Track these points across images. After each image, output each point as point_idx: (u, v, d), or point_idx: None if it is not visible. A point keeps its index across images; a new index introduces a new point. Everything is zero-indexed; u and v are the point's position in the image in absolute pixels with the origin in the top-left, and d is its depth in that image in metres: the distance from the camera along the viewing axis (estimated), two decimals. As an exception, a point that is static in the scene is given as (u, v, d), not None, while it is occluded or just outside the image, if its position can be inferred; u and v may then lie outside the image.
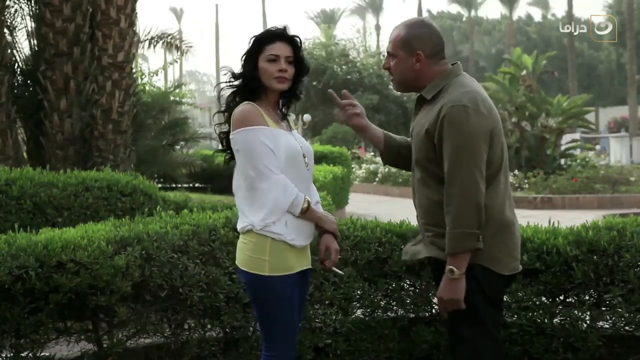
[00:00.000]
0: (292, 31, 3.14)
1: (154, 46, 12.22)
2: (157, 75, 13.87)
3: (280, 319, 3.01)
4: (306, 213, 3.03)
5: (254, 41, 3.10)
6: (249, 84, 3.08)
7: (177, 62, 12.68)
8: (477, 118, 2.90)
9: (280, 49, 3.07)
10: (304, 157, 3.10)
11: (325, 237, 3.10)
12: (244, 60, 3.11)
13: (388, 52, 3.15)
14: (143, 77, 12.62)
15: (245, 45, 3.12)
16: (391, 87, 32.42)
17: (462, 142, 2.87)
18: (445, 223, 2.91)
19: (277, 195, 2.96)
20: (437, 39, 3.09)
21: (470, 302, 2.93)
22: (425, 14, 66.43)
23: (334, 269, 3.18)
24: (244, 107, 3.03)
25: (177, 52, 12.77)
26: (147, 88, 12.71)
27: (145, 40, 11.88)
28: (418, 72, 3.07)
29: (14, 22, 10.29)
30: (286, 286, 2.99)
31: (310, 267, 3.16)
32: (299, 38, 3.14)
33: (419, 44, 3.07)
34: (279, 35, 3.10)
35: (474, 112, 2.90)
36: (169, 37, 12.54)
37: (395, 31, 3.13)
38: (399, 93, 32.36)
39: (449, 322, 3.08)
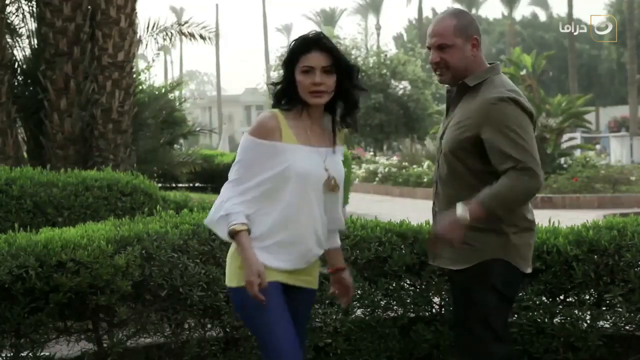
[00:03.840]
0: (325, 37, 2.86)
1: (169, 36, 11.87)
2: (148, 70, 13.68)
3: (268, 331, 2.78)
4: (235, 239, 2.76)
5: (288, 51, 2.87)
6: (285, 93, 2.87)
7: (161, 52, 12.24)
8: (524, 113, 2.94)
9: (315, 59, 2.79)
10: (325, 181, 2.83)
11: (339, 277, 3.00)
12: (284, 67, 2.88)
13: (439, 45, 3.04)
14: (139, 76, 12.49)
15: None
16: (393, 86, 32.45)
17: (514, 131, 2.89)
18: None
19: (213, 208, 2.84)
20: (479, 27, 3.12)
21: (487, 303, 2.94)
22: (426, 13, 66.48)
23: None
24: (264, 116, 2.85)
25: (202, 40, 12.15)
26: (144, 87, 12.62)
27: (154, 33, 11.64)
28: (472, 59, 3.04)
29: (14, 21, 10.30)
30: (264, 295, 2.74)
31: (311, 287, 2.93)
32: (333, 44, 2.85)
33: (473, 30, 3.06)
34: (314, 42, 2.82)
35: (522, 107, 2.93)
36: (187, 26, 12.14)
37: (441, 22, 3.06)
38: (400, 92, 32.39)
39: (464, 323, 3.05)
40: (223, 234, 2.82)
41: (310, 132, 2.86)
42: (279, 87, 2.88)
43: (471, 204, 2.87)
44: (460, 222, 2.87)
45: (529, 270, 3.09)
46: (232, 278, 2.84)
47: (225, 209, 2.78)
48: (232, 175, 2.83)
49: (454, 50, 3.02)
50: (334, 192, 2.87)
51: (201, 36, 12.15)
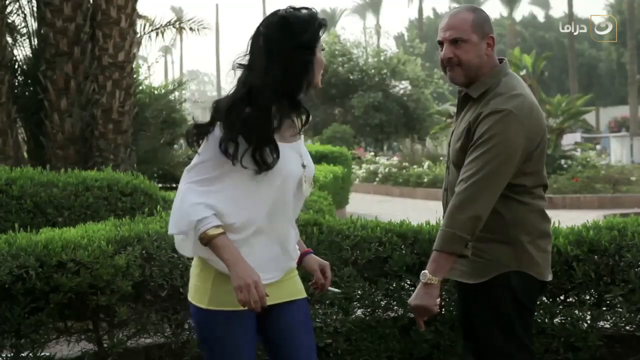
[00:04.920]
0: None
1: (162, 34, 11.94)
2: (149, 69, 13.75)
3: None
4: (210, 244, 2.42)
5: (312, 31, 2.51)
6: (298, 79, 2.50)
7: (162, 52, 12.40)
8: (519, 127, 2.75)
9: None
10: (299, 180, 2.58)
11: (312, 257, 2.76)
12: (298, 49, 2.48)
13: (454, 39, 2.86)
14: (139, 74, 12.51)
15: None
16: (393, 86, 32.42)
17: (496, 149, 2.73)
18: (487, 225, 2.79)
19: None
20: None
21: (505, 313, 2.86)
22: (426, 13, 66.45)
23: (331, 288, 2.84)
24: None
25: (191, 31, 12.19)
26: (144, 87, 12.62)
27: (151, 31, 11.68)
28: (486, 59, 2.88)
29: (14, 21, 10.30)
30: (229, 324, 2.50)
31: (294, 298, 2.66)
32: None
33: (490, 28, 2.89)
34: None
35: (517, 120, 2.75)
36: (179, 22, 12.26)
37: (458, 16, 2.88)
38: (401, 92, 32.37)
39: (481, 333, 2.94)
40: (188, 248, 2.52)
41: (288, 127, 2.58)
42: (284, 74, 2.47)
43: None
44: (427, 285, 2.77)
45: (549, 278, 2.97)
46: (201, 296, 2.54)
47: (188, 214, 2.44)
48: (194, 173, 2.51)
49: (469, 46, 2.85)
50: (304, 193, 2.62)
51: (190, 29, 12.20)
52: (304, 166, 2.59)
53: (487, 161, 2.74)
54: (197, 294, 2.55)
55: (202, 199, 2.44)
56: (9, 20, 10.08)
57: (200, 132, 2.52)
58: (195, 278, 2.57)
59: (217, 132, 2.48)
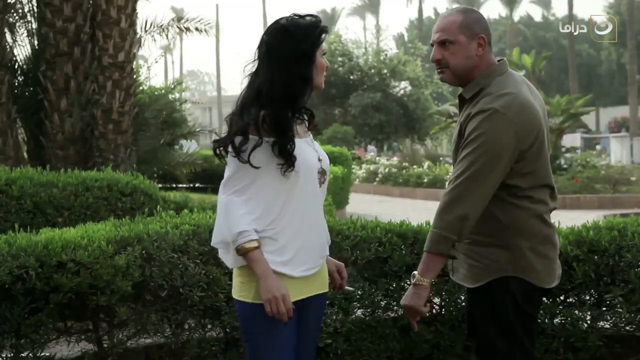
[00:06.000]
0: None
1: (166, 32, 11.83)
2: (149, 69, 13.72)
3: (272, 357, 2.68)
4: (245, 256, 2.61)
5: (317, 32, 2.66)
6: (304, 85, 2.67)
7: (162, 52, 12.22)
8: (506, 125, 2.72)
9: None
10: (320, 174, 2.75)
11: (328, 259, 2.88)
12: (302, 57, 2.63)
13: (441, 41, 2.88)
14: (139, 75, 12.46)
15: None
16: (393, 86, 32.42)
17: (482, 147, 2.72)
18: (484, 229, 2.81)
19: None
20: (488, 27, 2.95)
21: (505, 316, 2.85)
22: (427, 13, 66.44)
23: (347, 287, 3.03)
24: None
25: (199, 32, 12.11)
26: (145, 87, 12.59)
27: (152, 31, 11.61)
28: (478, 59, 2.87)
29: (14, 21, 10.30)
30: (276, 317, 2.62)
31: (324, 291, 2.85)
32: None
33: (480, 28, 2.88)
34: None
35: (504, 118, 2.72)
36: (184, 22, 12.18)
37: (447, 18, 2.91)
38: (400, 92, 32.38)
39: (482, 333, 2.93)
40: (229, 260, 2.71)
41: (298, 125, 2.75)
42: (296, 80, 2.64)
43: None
44: (416, 286, 2.78)
45: (552, 285, 2.96)
46: (247, 292, 2.68)
47: (233, 226, 2.61)
48: (230, 185, 2.66)
49: (456, 47, 2.86)
50: (324, 184, 2.78)
51: (197, 29, 12.14)
52: (319, 160, 2.76)
53: (473, 160, 2.75)
54: (242, 290, 2.69)
55: (243, 209, 2.62)
56: (10, 20, 10.07)
57: (220, 144, 2.67)
58: (240, 277, 2.71)
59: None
